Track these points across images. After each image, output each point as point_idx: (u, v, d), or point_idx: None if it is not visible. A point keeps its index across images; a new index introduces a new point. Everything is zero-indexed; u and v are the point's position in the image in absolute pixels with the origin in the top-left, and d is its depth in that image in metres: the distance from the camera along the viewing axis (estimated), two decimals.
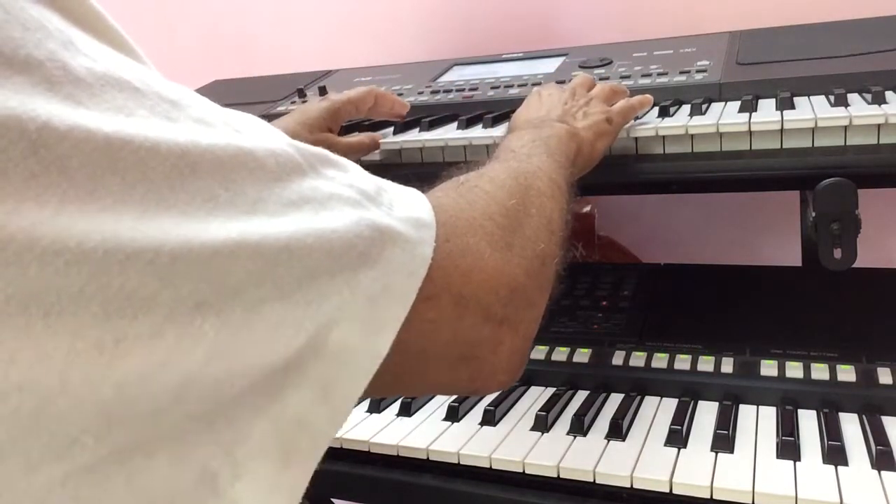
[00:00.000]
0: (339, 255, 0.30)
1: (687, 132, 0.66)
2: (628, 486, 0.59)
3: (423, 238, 0.36)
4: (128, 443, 0.25)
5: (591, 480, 0.61)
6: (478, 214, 0.42)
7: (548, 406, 0.70)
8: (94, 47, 0.26)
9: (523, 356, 0.43)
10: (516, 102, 0.85)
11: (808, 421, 0.65)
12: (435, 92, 0.95)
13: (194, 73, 1.26)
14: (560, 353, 0.79)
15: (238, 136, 0.29)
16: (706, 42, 0.91)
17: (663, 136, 0.67)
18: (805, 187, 0.69)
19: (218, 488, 0.28)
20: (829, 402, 0.67)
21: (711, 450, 0.62)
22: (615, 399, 0.72)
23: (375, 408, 0.75)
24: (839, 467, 0.58)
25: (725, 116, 0.67)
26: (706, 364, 0.73)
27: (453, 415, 0.71)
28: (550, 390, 0.75)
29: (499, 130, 0.75)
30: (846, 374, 0.69)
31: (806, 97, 0.71)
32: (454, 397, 0.73)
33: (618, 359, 0.76)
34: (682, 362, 0.74)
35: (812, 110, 0.64)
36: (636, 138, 0.69)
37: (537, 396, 0.75)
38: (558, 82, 0.88)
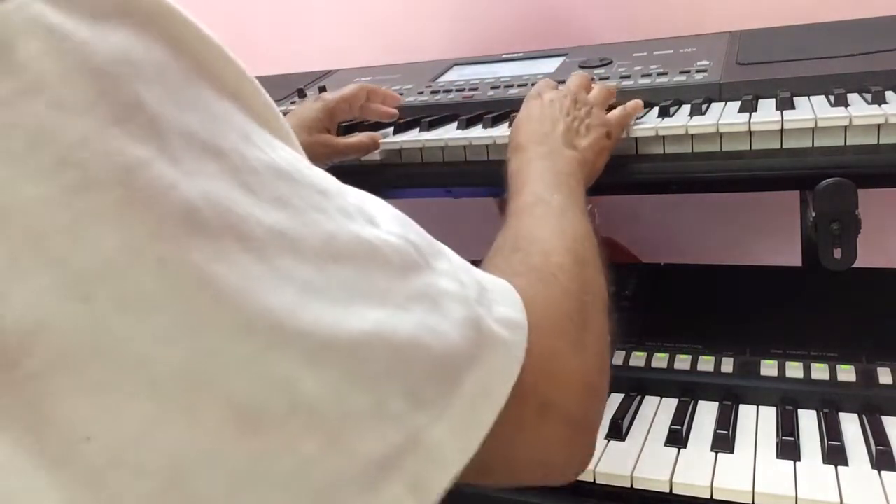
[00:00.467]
0: (452, 355, 0.32)
1: (687, 132, 0.66)
2: (628, 486, 0.60)
3: (517, 341, 0.36)
4: None
5: (592, 480, 0.61)
6: (559, 313, 0.43)
7: None
8: (265, 139, 0.30)
9: (593, 449, 0.44)
10: (516, 102, 0.85)
11: (808, 421, 0.65)
12: (435, 92, 0.95)
13: None
14: None
15: (371, 229, 0.32)
16: (706, 42, 0.91)
17: (663, 136, 0.67)
18: (805, 187, 0.69)
19: None
20: (829, 402, 0.67)
21: (711, 450, 0.62)
22: (615, 399, 0.72)
23: None
24: (839, 467, 0.58)
25: (725, 116, 0.67)
26: (706, 364, 0.73)
27: None
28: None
29: (499, 130, 0.75)
30: (846, 374, 0.69)
31: (806, 97, 0.71)
32: None
33: (618, 359, 0.76)
34: (682, 362, 0.74)
35: (812, 110, 0.64)
36: (636, 138, 0.69)
37: None
38: (558, 82, 0.88)
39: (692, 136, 0.66)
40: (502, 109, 0.82)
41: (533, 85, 0.89)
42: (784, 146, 0.64)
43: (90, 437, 0.23)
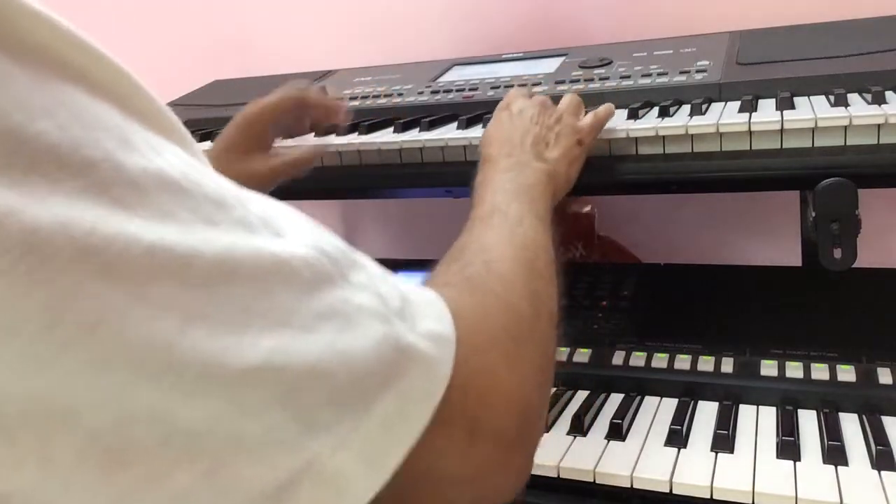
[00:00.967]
0: (361, 378, 0.30)
1: (687, 132, 0.66)
2: (628, 486, 0.60)
3: (443, 357, 0.34)
4: None
5: (591, 480, 0.61)
6: (492, 325, 0.40)
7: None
8: (149, 142, 0.27)
9: (529, 469, 0.41)
10: None
11: (808, 421, 0.65)
12: (435, 92, 0.95)
13: (194, 73, 1.26)
14: (560, 353, 0.79)
15: (276, 241, 0.29)
16: (706, 42, 0.91)
17: (663, 136, 0.67)
18: (805, 187, 0.69)
19: None
20: (829, 402, 0.67)
21: (711, 450, 0.62)
22: (615, 399, 0.72)
23: None
24: (839, 467, 0.58)
25: (725, 116, 0.67)
26: (706, 364, 0.73)
27: None
28: (551, 390, 0.75)
29: None
30: (846, 374, 0.69)
31: (806, 97, 0.71)
32: None
33: (618, 359, 0.76)
34: (682, 362, 0.74)
35: (812, 110, 0.64)
36: (636, 138, 0.69)
37: None
38: (557, 82, 0.89)
39: (692, 136, 0.66)
40: None
41: (533, 85, 0.89)
42: (784, 146, 0.64)
43: None
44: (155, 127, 0.28)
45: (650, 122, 0.69)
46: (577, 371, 0.77)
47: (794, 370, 0.70)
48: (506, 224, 0.52)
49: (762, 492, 0.56)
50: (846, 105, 0.64)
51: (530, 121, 0.67)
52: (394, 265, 1.14)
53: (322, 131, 0.84)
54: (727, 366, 0.73)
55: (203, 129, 0.95)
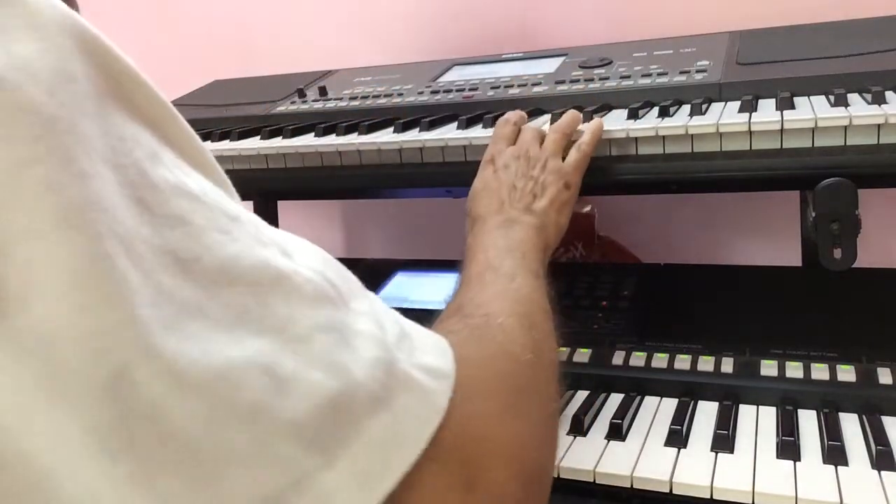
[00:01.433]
0: (353, 395, 0.30)
1: (687, 132, 0.66)
2: (628, 486, 0.59)
3: (439, 389, 0.34)
4: None
5: (591, 480, 0.61)
6: (496, 376, 0.39)
7: None
8: (176, 164, 0.30)
9: None
10: (516, 102, 0.85)
11: (808, 421, 0.65)
12: (435, 92, 0.95)
13: (194, 73, 1.26)
14: (560, 353, 0.78)
15: (283, 259, 0.31)
16: (706, 42, 0.91)
17: (663, 136, 0.67)
18: (805, 187, 0.69)
19: None
20: (829, 402, 0.67)
21: (711, 450, 0.62)
22: (615, 399, 0.72)
23: None
24: (839, 467, 0.58)
25: (725, 116, 0.67)
26: (706, 364, 0.73)
27: None
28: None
29: None
30: (846, 374, 0.69)
31: (806, 97, 0.71)
32: None
33: (618, 359, 0.76)
34: (682, 362, 0.74)
35: (812, 110, 0.64)
36: (636, 138, 0.69)
37: None
38: (557, 82, 0.89)
39: (692, 136, 0.66)
40: (502, 109, 0.82)
41: (533, 85, 0.89)
42: (784, 146, 0.64)
43: None
44: (186, 157, 0.31)
45: (650, 122, 0.69)
46: (577, 371, 0.76)
47: (794, 370, 0.70)
48: (499, 280, 0.53)
49: (762, 492, 0.56)
50: (846, 105, 0.64)
51: (515, 174, 0.67)
52: (394, 265, 1.15)
53: (322, 131, 0.84)
54: (727, 366, 0.73)
55: (203, 129, 0.95)
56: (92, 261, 0.24)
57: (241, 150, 0.85)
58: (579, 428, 0.67)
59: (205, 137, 0.91)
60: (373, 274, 1.00)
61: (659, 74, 0.84)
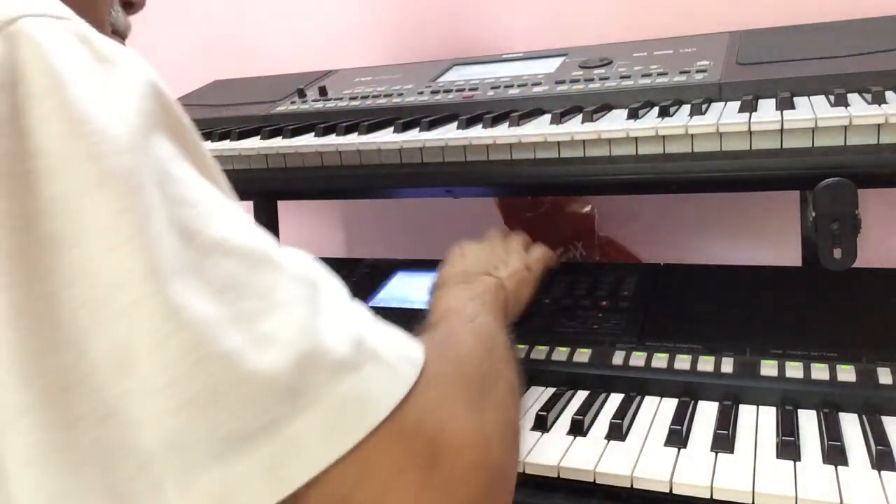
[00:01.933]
0: (323, 355, 0.34)
1: (687, 132, 0.66)
2: (628, 486, 0.59)
3: (406, 370, 0.38)
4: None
5: (591, 480, 0.61)
6: (457, 373, 0.43)
7: (548, 406, 0.70)
8: (191, 170, 0.36)
9: None
10: (516, 102, 0.85)
11: (808, 421, 0.65)
12: (435, 92, 0.95)
13: (194, 73, 1.26)
14: (560, 353, 0.79)
15: (273, 246, 0.37)
16: (706, 42, 0.91)
17: (663, 136, 0.67)
18: (805, 187, 0.69)
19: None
20: (829, 402, 0.67)
21: (711, 450, 0.62)
22: (615, 399, 0.72)
23: None
24: (839, 467, 0.58)
25: (725, 116, 0.67)
26: (706, 364, 0.73)
27: None
28: (550, 390, 0.75)
29: (499, 130, 0.75)
30: (846, 374, 0.69)
31: (806, 97, 0.71)
32: None
33: (618, 359, 0.76)
34: (682, 362, 0.74)
35: (812, 110, 0.64)
36: (636, 138, 0.69)
37: (537, 396, 0.75)
38: (557, 82, 0.89)
39: (692, 136, 0.66)
40: (502, 109, 0.82)
41: (533, 85, 0.90)
42: (784, 146, 0.64)
43: None
44: (198, 167, 0.37)
45: (650, 122, 0.69)
46: (577, 371, 0.77)
47: (794, 370, 0.70)
48: (461, 318, 0.57)
49: (762, 492, 0.56)
50: (846, 105, 0.64)
51: (481, 252, 0.76)
52: (394, 265, 1.15)
53: (322, 131, 0.84)
54: (727, 366, 0.73)
55: (203, 129, 0.95)
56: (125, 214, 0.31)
57: (241, 150, 0.85)
58: (579, 428, 0.67)
59: (205, 137, 0.91)
60: (373, 274, 1.00)
61: (659, 74, 0.84)
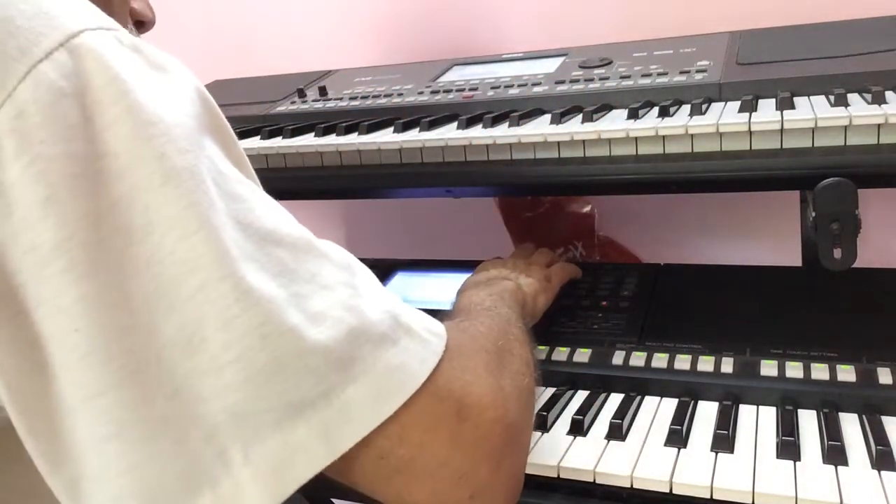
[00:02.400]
0: (369, 330, 0.39)
1: (687, 132, 0.66)
2: (628, 486, 0.60)
3: (435, 341, 0.43)
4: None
5: (591, 480, 0.61)
6: (477, 346, 0.48)
7: (548, 406, 0.70)
8: (232, 169, 0.40)
9: (517, 489, 0.46)
10: (516, 102, 0.85)
11: (808, 421, 0.65)
12: (435, 92, 0.95)
13: (194, 72, 1.26)
14: (560, 353, 0.79)
15: (314, 237, 0.43)
16: (706, 42, 0.91)
17: (663, 136, 0.67)
18: (805, 187, 0.69)
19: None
20: (829, 402, 0.67)
21: (711, 450, 0.62)
22: (615, 399, 0.72)
23: None
24: (839, 467, 0.58)
25: (725, 116, 0.67)
26: (706, 364, 0.73)
27: None
28: (550, 390, 0.75)
29: (499, 130, 0.75)
30: (846, 374, 0.69)
31: (806, 97, 0.71)
32: None
33: (618, 359, 0.76)
34: (682, 362, 0.74)
35: (812, 110, 0.64)
36: (636, 138, 0.69)
37: (537, 396, 0.74)
38: (557, 82, 0.89)
39: (692, 136, 0.66)
40: (502, 109, 0.81)
41: (533, 85, 0.89)
42: (784, 146, 0.64)
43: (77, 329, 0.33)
44: (238, 166, 0.42)
45: (650, 122, 0.69)
46: (577, 371, 0.77)
47: (794, 370, 0.70)
48: (480, 307, 0.61)
49: (762, 492, 0.56)
50: (846, 105, 0.64)
51: (502, 266, 0.80)
52: (394, 265, 1.15)
53: (322, 131, 0.84)
54: (727, 366, 0.73)
55: None
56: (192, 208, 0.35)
57: None
58: (579, 428, 0.67)
59: None
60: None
61: (659, 74, 0.84)
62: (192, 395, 0.34)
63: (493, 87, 0.92)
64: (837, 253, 0.62)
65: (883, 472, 0.57)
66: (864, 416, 0.65)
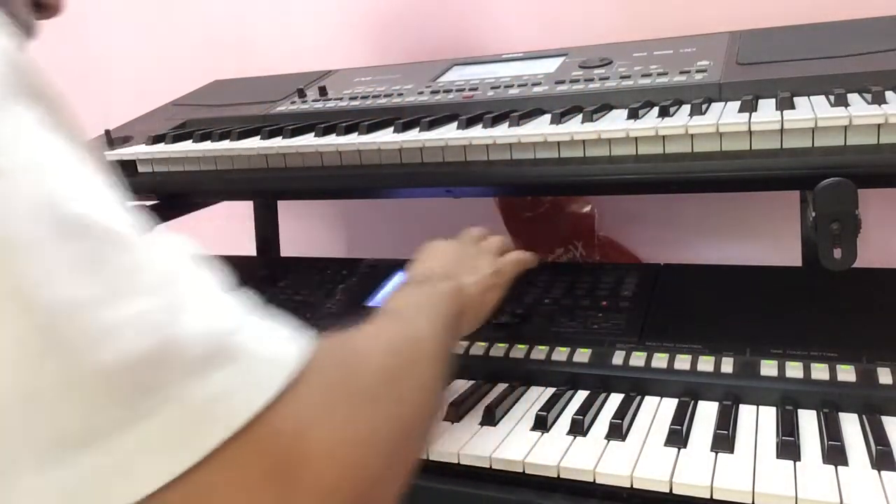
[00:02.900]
0: (172, 356, 0.31)
1: (687, 132, 0.66)
2: (628, 486, 0.59)
3: (274, 373, 0.33)
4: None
5: (591, 480, 0.61)
6: (350, 371, 0.39)
7: (548, 406, 0.70)
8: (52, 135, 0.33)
9: None
10: (516, 102, 0.85)
11: (808, 421, 0.65)
12: (435, 92, 0.95)
13: (194, 73, 1.26)
14: (560, 353, 0.79)
15: (136, 233, 0.33)
16: (706, 42, 0.91)
17: (663, 136, 0.67)
18: (805, 187, 0.69)
19: None
20: (829, 402, 0.67)
21: (711, 450, 0.62)
22: (615, 399, 0.72)
23: None
24: (839, 467, 0.58)
25: (725, 116, 0.67)
26: (706, 364, 0.73)
27: (453, 416, 0.71)
28: (550, 390, 0.75)
29: (499, 130, 0.75)
30: (846, 374, 0.69)
31: (806, 97, 0.71)
32: (455, 399, 0.73)
33: (618, 359, 0.76)
34: (682, 362, 0.74)
35: (812, 110, 0.64)
36: (636, 138, 0.69)
37: (537, 396, 0.75)
38: (557, 82, 0.89)
39: (692, 136, 0.66)
40: (502, 109, 0.82)
41: (533, 85, 0.90)
42: (784, 146, 0.64)
43: None
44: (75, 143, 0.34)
45: (650, 122, 0.69)
46: (577, 371, 0.77)
47: (794, 370, 0.70)
48: (395, 320, 0.54)
49: (762, 492, 0.56)
50: (846, 105, 0.64)
51: (451, 253, 0.74)
52: (394, 265, 1.15)
53: (322, 131, 0.84)
54: (727, 366, 0.73)
55: (203, 129, 0.95)
56: None
57: (241, 150, 0.85)
58: (579, 428, 0.67)
59: (205, 137, 0.91)
60: (373, 274, 1.00)
61: (659, 74, 0.84)
62: None
63: (493, 87, 0.92)
64: (837, 253, 0.62)
65: (883, 472, 0.57)
66: (864, 416, 0.65)
